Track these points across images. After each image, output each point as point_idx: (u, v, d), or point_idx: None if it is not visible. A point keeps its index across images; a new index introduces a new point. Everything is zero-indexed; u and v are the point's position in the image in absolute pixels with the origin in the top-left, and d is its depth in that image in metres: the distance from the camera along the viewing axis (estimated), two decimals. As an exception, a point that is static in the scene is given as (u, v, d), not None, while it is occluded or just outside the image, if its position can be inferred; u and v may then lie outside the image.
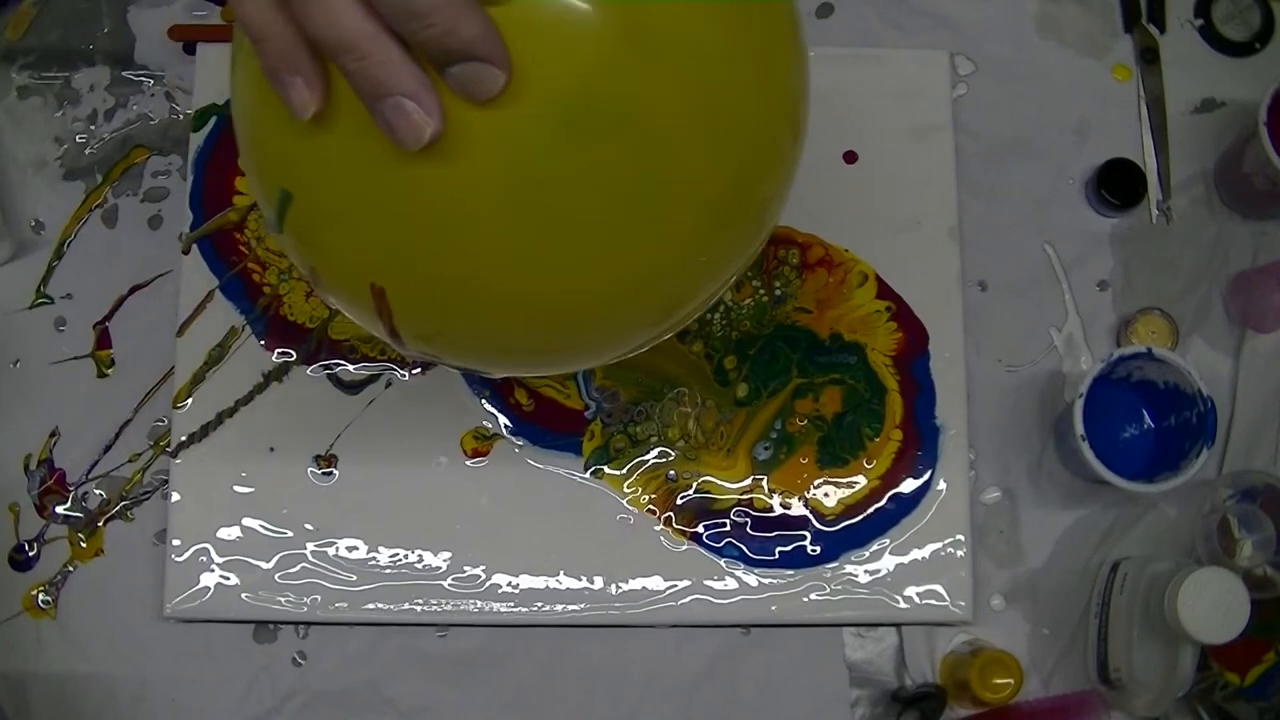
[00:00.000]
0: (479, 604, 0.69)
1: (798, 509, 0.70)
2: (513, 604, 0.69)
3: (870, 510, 0.70)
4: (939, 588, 0.69)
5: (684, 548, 0.70)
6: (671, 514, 0.70)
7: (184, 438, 0.70)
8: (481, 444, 0.71)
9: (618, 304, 0.43)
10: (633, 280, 0.42)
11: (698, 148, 0.40)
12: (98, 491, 0.71)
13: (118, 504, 0.71)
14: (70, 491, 0.71)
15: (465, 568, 0.69)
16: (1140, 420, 0.72)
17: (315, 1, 0.32)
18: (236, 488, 0.70)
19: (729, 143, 0.41)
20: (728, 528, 0.70)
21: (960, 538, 0.70)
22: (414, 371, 0.71)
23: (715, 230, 0.43)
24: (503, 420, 0.71)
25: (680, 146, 0.40)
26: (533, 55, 0.35)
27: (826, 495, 0.70)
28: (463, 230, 0.39)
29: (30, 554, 0.70)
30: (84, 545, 0.70)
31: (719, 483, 0.70)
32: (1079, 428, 0.66)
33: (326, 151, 0.39)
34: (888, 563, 0.70)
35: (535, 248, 0.39)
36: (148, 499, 0.71)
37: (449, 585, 0.69)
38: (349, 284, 0.43)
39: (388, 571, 0.69)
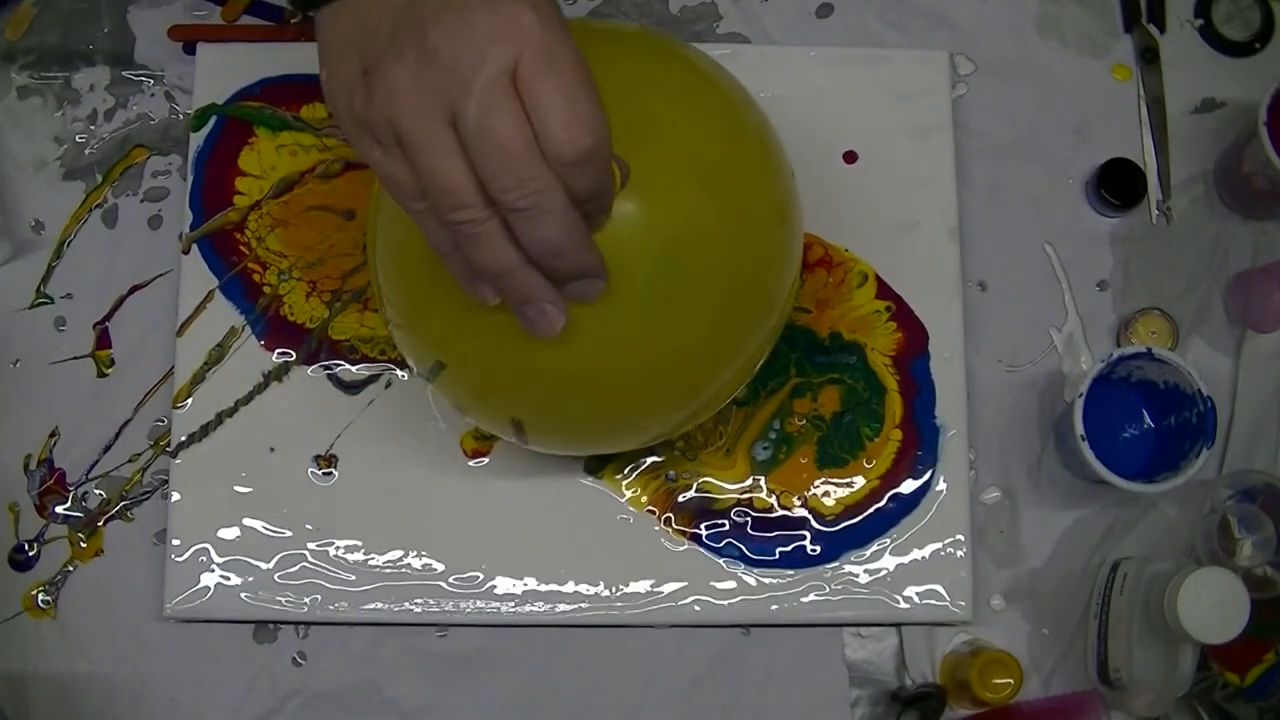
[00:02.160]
0: (479, 604, 0.69)
1: (797, 509, 0.70)
2: (513, 604, 0.69)
3: (870, 510, 0.70)
4: (939, 588, 0.69)
5: (684, 548, 0.70)
6: (671, 514, 0.70)
7: (184, 438, 0.70)
8: (481, 444, 0.71)
9: (663, 382, 0.56)
10: (676, 358, 0.55)
11: (721, 262, 0.54)
12: (98, 491, 0.71)
13: (118, 504, 0.71)
14: (70, 491, 0.71)
15: (465, 568, 0.69)
16: (1140, 420, 0.72)
17: (484, 246, 0.45)
18: (236, 488, 0.70)
19: (741, 248, 0.55)
20: (728, 528, 0.70)
21: (960, 538, 0.70)
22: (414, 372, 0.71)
23: (733, 312, 0.56)
24: (503, 420, 0.71)
25: (711, 267, 0.54)
26: (620, 264, 0.50)
27: (826, 495, 0.70)
28: (574, 377, 0.54)
29: (30, 554, 0.71)
30: (84, 545, 0.70)
31: (718, 483, 0.70)
32: (1079, 428, 0.66)
33: (477, 338, 0.54)
34: (888, 563, 0.70)
35: (620, 367, 0.54)
36: (148, 499, 0.71)
37: (449, 585, 0.69)
38: (491, 418, 0.60)
39: (387, 571, 0.69)
